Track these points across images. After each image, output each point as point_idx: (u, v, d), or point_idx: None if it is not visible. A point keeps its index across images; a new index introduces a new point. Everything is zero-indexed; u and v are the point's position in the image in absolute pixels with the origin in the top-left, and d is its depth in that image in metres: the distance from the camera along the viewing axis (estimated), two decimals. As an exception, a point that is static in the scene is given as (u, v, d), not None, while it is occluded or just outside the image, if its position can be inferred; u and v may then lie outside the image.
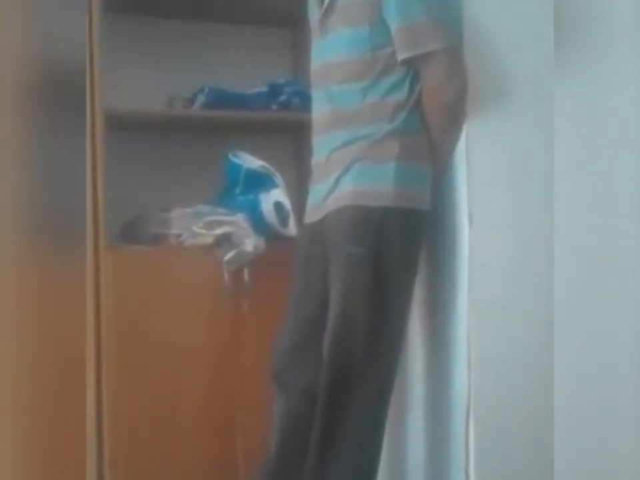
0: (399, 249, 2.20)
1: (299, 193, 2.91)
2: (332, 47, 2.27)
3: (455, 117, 2.22)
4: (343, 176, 2.22)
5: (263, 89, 3.09)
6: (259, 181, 2.93)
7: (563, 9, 1.97)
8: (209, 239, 2.76)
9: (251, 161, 2.96)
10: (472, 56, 2.21)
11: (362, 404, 2.18)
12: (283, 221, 2.92)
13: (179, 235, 2.78)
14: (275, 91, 3.09)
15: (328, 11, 2.27)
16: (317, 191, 2.33)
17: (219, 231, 2.77)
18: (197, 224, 2.78)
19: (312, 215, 2.36)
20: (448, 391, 2.31)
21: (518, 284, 2.24)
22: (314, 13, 2.37)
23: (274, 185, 2.95)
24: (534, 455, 2.19)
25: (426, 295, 2.37)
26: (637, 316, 1.92)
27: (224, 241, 2.77)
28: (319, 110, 2.33)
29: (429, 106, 2.20)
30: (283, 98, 3.08)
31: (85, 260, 2.50)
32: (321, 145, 2.32)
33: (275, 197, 2.92)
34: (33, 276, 2.44)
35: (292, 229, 2.92)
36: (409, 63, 2.18)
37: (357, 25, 2.20)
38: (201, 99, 2.97)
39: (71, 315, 2.49)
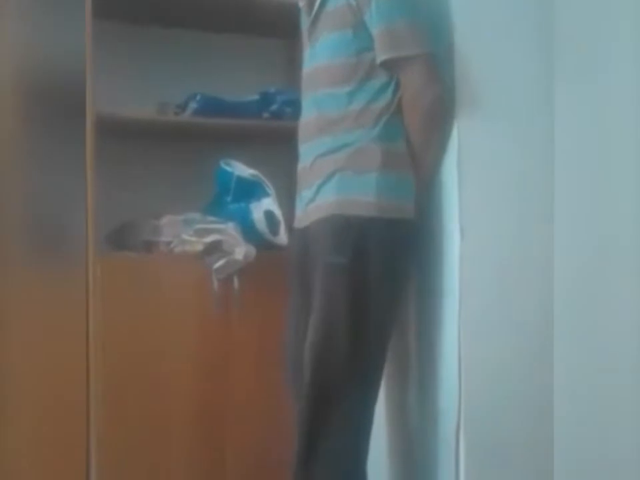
0: (381, 259, 2.18)
1: (290, 202, 2.90)
2: (319, 53, 2.29)
3: (434, 122, 2.22)
4: (324, 185, 2.23)
5: (255, 97, 3.09)
6: (249, 190, 2.93)
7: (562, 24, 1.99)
8: (199, 247, 2.76)
9: (242, 169, 2.95)
10: (466, 63, 2.21)
11: (343, 417, 2.17)
12: (274, 229, 2.91)
13: (169, 243, 2.77)
14: (266, 99, 3.09)
15: (315, 20, 2.30)
16: (302, 197, 2.34)
17: (209, 238, 2.77)
18: (187, 231, 2.77)
19: (299, 222, 2.37)
20: (438, 403, 2.31)
21: (513, 295, 2.24)
22: (304, 23, 2.39)
23: (265, 194, 2.95)
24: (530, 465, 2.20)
25: (417, 306, 2.37)
26: (636, 333, 1.93)
27: (214, 248, 2.77)
28: (306, 116, 2.35)
29: (408, 111, 2.21)
30: (274, 107, 3.08)
31: (77, 265, 2.50)
32: (307, 151, 2.32)
33: (265, 205, 2.92)
34: (25, 281, 2.45)
35: (282, 237, 2.92)
36: (389, 66, 2.20)
37: (341, 30, 2.22)
38: (193, 105, 2.96)
39: (60, 320, 2.50)
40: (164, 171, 3.13)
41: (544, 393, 2.10)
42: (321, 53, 2.28)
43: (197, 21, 3.11)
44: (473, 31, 2.21)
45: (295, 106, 2.97)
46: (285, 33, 3.26)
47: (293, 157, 2.42)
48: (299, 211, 2.38)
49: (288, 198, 3.02)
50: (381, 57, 2.18)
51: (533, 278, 2.21)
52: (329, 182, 2.22)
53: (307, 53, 2.37)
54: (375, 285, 2.17)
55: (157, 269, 2.73)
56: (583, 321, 2.05)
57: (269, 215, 2.91)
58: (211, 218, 2.84)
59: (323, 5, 2.27)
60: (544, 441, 2.08)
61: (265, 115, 3.07)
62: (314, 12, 2.30)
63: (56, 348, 2.48)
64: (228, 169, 2.93)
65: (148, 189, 3.07)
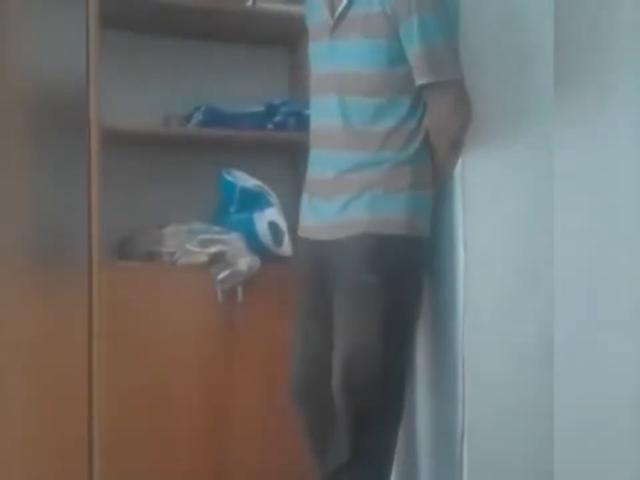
0: (410, 275, 2.23)
1: (294, 213, 2.91)
2: (347, 56, 2.25)
3: (460, 144, 2.25)
4: (354, 201, 2.22)
5: (259, 108, 3.10)
6: (253, 200, 2.93)
7: (564, 42, 1.99)
8: (203, 258, 2.76)
9: (245, 180, 2.96)
10: (472, 84, 2.23)
11: (381, 432, 2.22)
12: (277, 240, 2.91)
13: (172, 253, 2.77)
14: (271, 111, 3.10)
15: (341, 18, 2.24)
16: (319, 208, 2.31)
17: (213, 249, 2.77)
18: (191, 242, 2.77)
19: (315, 233, 2.33)
20: (442, 411, 2.31)
21: (514, 304, 2.25)
22: (318, 16, 2.33)
23: (268, 204, 2.95)
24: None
25: (425, 316, 2.38)
26: (636, 342, 1.93)
27: (218, 259, 2.77)
28: (327, 121, 2.29)
29: (439, 133, 2.23)
30: (278, 118, 3.09)
31: (81, 275, 2.50)
32: (327, 161, 2.29)
33: (269, 216, 2.92)
34: (30, 291, 2.45)
35: (286, 248, 2.92)
36: (424, 89, 2.20)
37: (375, 38, 2.20)
38: (198, 117, 2.97)
39: (65, 329, 2.50)
40: (168, 182, 3.13)
41: (545, 400, 2.10)
42: (347, 57, 2.24)
43: (201, 32, 3.12)
44: (479, 50, 2.23)
45: (299, 117, 2.99)
46: (289, 43, 3.27)
47: (297, 167, 2.43)
48: (311, 221, 2.35)
49: (291, 208, 3.03)
50: (421, 80, 2.18)
51: (534, 287, 2.23)
52: (359, 199, 2.22)
53: (323, 50, 2.31)
54: (405, 300, 2.21)
55: (161, 279, 2.73)
56: (583, 329, 2.06)
57: (273, 226, 2.91)
58: (215, 228, 2.84)
59: (350, 4, 2.22)
60: (545, 448, 2.08)
61: (269, 126, 3.08)
62: (341, 9, 2.24)
63: (58, 358, 2.47)
64: (231, 179, 2.94)
65: (152, 199, 3.07)
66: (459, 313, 2.23)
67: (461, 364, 2.22)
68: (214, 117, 2.98)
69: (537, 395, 2.19)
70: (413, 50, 2.17)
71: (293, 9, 3.06)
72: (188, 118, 3.02)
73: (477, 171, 2.24)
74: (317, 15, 2.35)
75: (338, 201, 2.24)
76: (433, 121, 2.22)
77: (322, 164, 2.31)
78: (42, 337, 2.45)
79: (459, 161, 2.25)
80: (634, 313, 1.93)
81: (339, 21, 2.25)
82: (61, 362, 2.48)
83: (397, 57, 2.19)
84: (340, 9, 2.25)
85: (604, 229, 2.01)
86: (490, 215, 2.24)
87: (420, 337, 2.38)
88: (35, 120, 2.51)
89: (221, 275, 2.74)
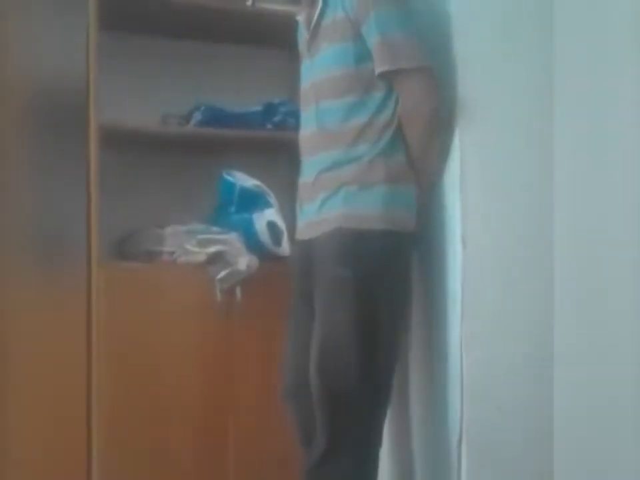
0: (386, 270, 2.21)
1: (293, 213, 2.92)
2: (319, 66, 2.31)
3: (433, 134, 2.25)
4: (331, 198, 2.25)
5: (258, 108, 3.10)
6: (252, 200, 2.94)
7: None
8: (202, 257, 2.77)
9: (244, 180, 2.97)
10: (467, 75, 2.23)
11: (359, 422, 2.20)
12: (276, 240, 2.92)
13: (172, 253, 2.78)
14: (270, 110, 3.11)
15: (314, 33, 2.33)
16: (305, 211, 2.37)
17: (212, 249, 2.77)
18: (190, 242, 2.78)
19: (302, 233, 2.39)
20: (440, 411, 2.31)
21: (514, 303, 2.24)
22: (301, 36, 2.44)
23: (268, 205, 2.96)
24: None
25: (420, 316, 2.37)
26: (636, 339, 1.93)
27: (217, 259, 2.77)
28: (307, 130, 2.37)
29: (407, 123, 2.24)
30: (277, 118, 3.10)
31: (80, 275, 2.51)
32: (309, 167, 2.35)
33: (268, 216, 2.93)
34: (29, 290, 2.46)
35: (285, 248, 2.92)
36: (387, 78, 2.22)
37: (342, 43, 2.25)
38: (197, 116, 2.98)
39: (63, 329, 2.51)
40: (168, 182, 3.14)
41: (545, 401, 2.10)
42: (321, 65, 2.30)
43: (200, 32, 3.12)
44: (473, 42, 2.23)
45: (298, 117, 2.98)
46: (288, 44, 3.27)
47: (296, 167, 2.44)
48: (300, 224, 2.40)
49: (291, 208, 3.03)
50: (379, 69, 2.21)
51: (534, 286, 2.22)
52: (335, 196, 2.24)
53: (305, 66, 2.40)
54: (383, 296, 2.20)
55: (160, 279, 2.73)
56: (584, 327, 2.06)
57: (272, 226, 2.92)
58: (214, 228, 2.85)
59: (321, 17, 2.30)
60: (545, 450, 2.08)
61: (268, 125, 3.09)
62: (312, 25, 2.32)
63: (58, 357, 2.48)
64: (230, 179, 2.95)
65: (152, 199, 3.08)
66: (456, 312, 2.22)
67: (460, 365, 2.21)
68: (213, 117, 2.99)
69: (537, 396, 2.18)
70: (375, 42, 2.20)
71: (293, 9, 3.07)
72: (187, 118, 3.02)
73: (475, 166, 2.23)
74: (300, 36, 2.44)
75: (317, 200, 2.28)
76: (403, 108, 2.23)
77: (306, 170, 2.37)
78: (41, 336, 2.46)
79: (458, 156, 2.24)
80: (635, 310, 1.93)
81: (313, 33, 2.33)
82: (60, 361, 2.49)
83: (364, 55, 2.23)
84: (312, 25, 2.32)
85: (604, 225, 2.01)
86: (488, 211, 2.24)
87: (415, 337, 2.39)
88: (35, 120, 2.51)
89: (220, 275, 2.75)
